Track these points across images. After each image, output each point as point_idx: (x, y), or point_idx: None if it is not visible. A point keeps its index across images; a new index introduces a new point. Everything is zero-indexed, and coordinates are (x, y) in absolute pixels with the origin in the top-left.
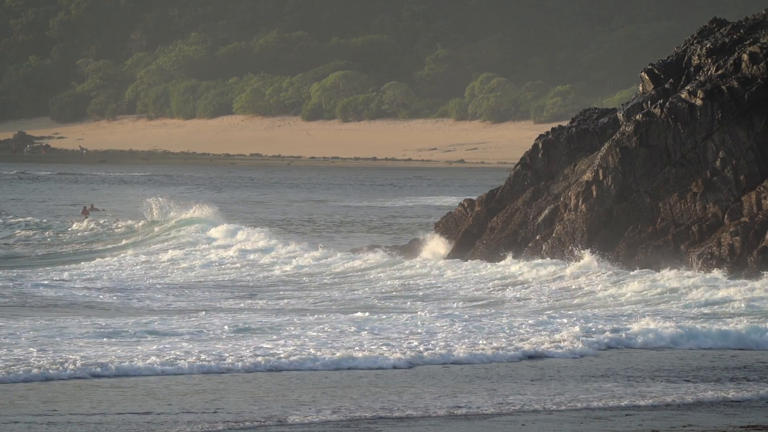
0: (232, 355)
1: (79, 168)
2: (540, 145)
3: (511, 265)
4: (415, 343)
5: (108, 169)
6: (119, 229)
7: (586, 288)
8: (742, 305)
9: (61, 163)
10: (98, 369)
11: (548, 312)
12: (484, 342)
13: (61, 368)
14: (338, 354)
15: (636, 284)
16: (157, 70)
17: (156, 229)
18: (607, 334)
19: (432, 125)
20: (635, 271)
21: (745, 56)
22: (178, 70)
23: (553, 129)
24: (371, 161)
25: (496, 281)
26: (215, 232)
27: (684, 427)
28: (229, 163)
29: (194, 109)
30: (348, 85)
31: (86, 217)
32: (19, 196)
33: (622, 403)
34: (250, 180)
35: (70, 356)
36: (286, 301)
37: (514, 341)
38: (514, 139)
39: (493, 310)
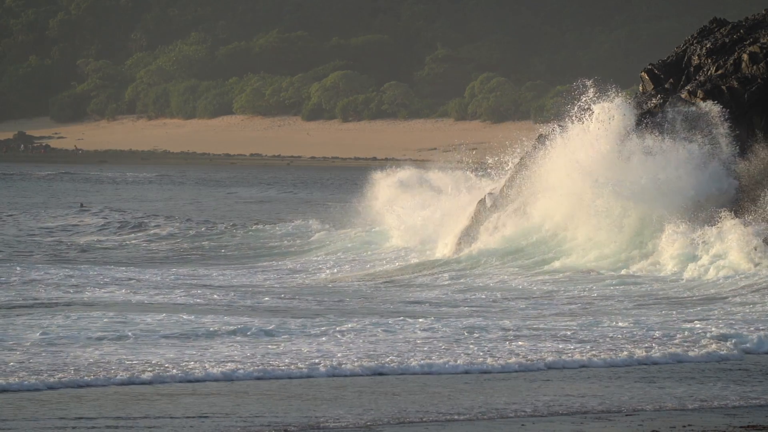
0: None
1: (82, 168)
2: (539, 144)
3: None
4: None
5: (133, 170)
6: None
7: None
8: None
9: (60, 164)
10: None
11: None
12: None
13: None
14: None
15: None
16: (157, 70)
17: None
18: None
19: (432, 125)
20: None
21: (745, 56)
22: (178, 70)
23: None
24: (371, 161)
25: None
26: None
27: (684, 426)
28: (229, 163)
29: (194, 109)
30: (348, 85)
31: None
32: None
33: None
34: (327, 180)
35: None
36: None
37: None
38: (513, 139)
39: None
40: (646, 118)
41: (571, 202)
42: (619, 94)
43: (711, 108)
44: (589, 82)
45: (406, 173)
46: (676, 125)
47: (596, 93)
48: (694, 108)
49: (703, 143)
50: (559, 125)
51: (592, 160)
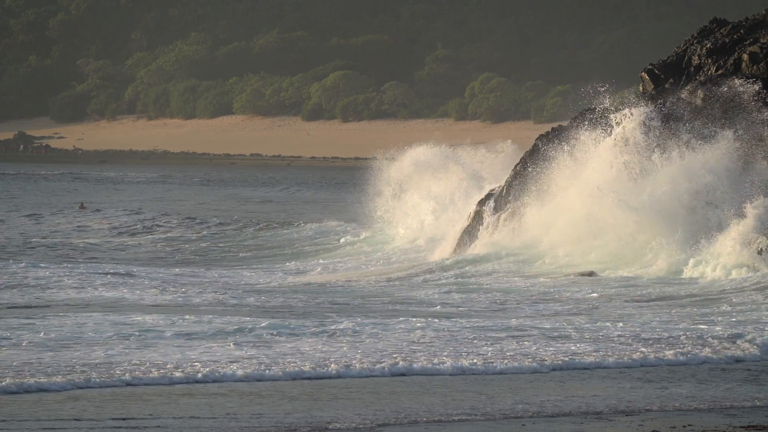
0: None
1: (82, 168)
2: (540, 145)
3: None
4: None
5: (147, 170)
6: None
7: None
8: None
9: (60, 164)
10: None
11: None
12: None
13: None
14: None
15: None
16: (157, 70)
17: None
18: None
19: (432, 125)
20: None
21: (745, 56)
22: (178, 70)
23: (553, 129)
24: (372, 161)
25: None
26: None
27: (684, 426)
28: (230, 163)
29: (194, 109)
30: (348, 85)
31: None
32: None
33: None
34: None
35: None
36: None
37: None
38: (514, 139)
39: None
40: (661, 109)
41: (576, 218)
42: (642, 101)
43: (746, 88)
44: (602, 89)
45: (421, 152)
46: (699, 113)
47: (612, 101)
48: (725, 89)
49: (737, 136)
50: (569, 143)
51: (602, 172)
